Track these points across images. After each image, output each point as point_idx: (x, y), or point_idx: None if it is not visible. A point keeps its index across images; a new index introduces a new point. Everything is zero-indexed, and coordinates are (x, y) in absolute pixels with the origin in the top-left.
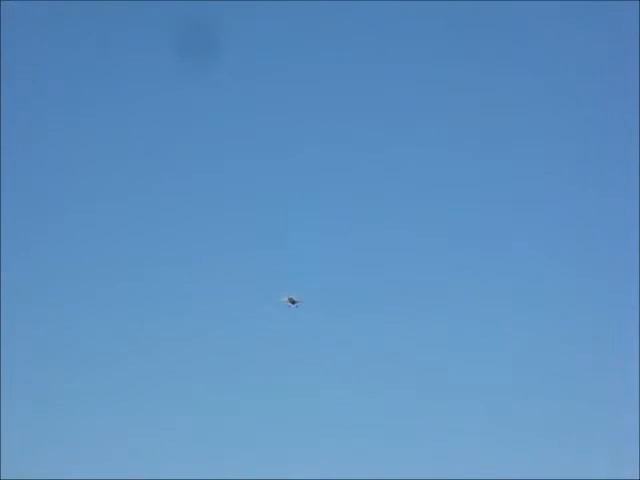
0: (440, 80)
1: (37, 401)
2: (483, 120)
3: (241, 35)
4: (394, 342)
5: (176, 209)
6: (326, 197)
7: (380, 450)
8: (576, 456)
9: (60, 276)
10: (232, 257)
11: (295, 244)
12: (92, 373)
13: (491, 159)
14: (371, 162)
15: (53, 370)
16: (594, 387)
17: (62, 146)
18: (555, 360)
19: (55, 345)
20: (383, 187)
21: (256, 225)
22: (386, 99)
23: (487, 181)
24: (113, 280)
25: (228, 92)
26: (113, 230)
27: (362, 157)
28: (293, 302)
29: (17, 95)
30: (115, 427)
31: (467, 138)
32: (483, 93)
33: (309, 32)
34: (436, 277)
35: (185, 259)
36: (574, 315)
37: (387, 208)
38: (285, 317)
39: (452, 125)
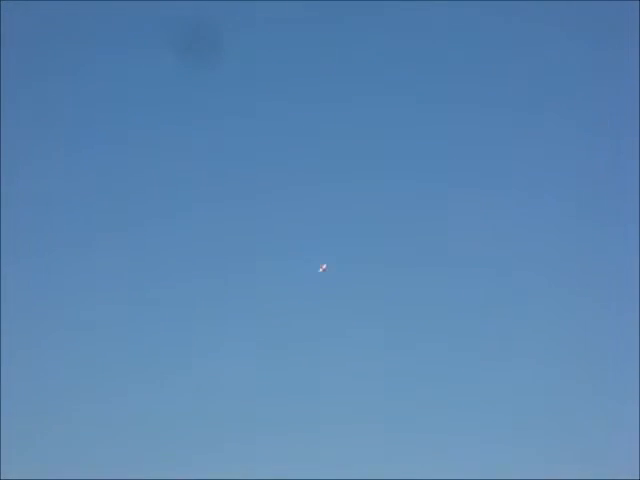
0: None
1: (37, 401)
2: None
3: (242, 35)
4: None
5: (175, 209)
6: (327, 203)
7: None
8: (576, 456)
9: (59, 275)
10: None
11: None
12: (93, 372)
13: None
14: (375, 167)
15: (53, 370)
16: (594, 386)
17: (62, 146)
18: (555, 357)
19: (55, 345)
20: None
21: (256, 233)
22: (392, 98)
23: None
24: (113, 275)
25: (229, 92)
26: (110, 228)
27: (365, 159)
28: (324, 269)
29: (17, 95)
30: (116, 427)
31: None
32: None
33: (311, 32)
34: None
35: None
36: (573, 307)
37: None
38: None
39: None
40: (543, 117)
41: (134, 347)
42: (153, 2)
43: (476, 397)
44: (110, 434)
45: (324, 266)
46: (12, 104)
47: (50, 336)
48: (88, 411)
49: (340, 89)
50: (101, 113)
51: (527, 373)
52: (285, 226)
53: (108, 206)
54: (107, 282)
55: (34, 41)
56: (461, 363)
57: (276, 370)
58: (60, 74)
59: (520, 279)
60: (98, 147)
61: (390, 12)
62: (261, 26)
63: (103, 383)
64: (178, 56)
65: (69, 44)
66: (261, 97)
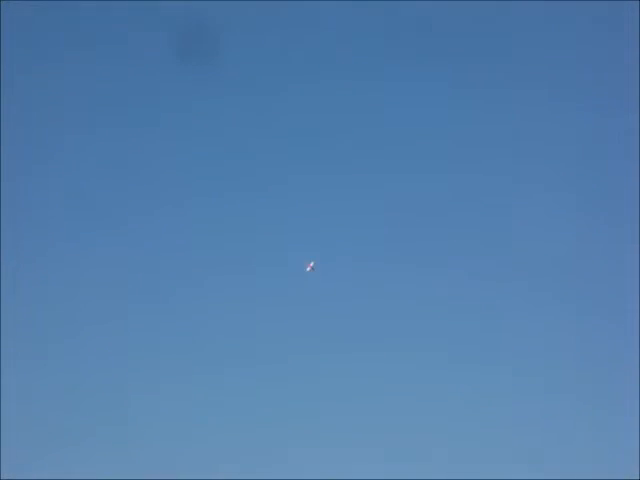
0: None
1: (37, 401)
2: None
3: (242, 35)
4: None
5: (175, 209)
6: (327, 203)
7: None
8: (576, 456)
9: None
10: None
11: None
12: (93, 372)
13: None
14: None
15: (54, 370)
16: (594, 386)
17: (63, 146)
18: (555, 359)
19: (56, 344)
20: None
21: (255, 233)
22: (390, 103)
23: None
24: (114, 267)
25: (229, 92)
26: (111, 230)
27: (365, 159)
28: (312, 268)
29: (17, 95)
30: (116, 427)
31: None
32: (481, 94)
33: (311, 32)
34: None
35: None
36: (576, 310)
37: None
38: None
39: None
40: (540, 119)
41: (135, 352)
42: (153, 2)
43: (475, 398)
44: (111, 434)
45: (311, 264)
46: (12, 104)
47: (50, 336)
48: (88, 410)
49: (340, 89)
50: (101, 113)
51: (526, 373)
52: (284, 227)
53: (107, 205)
54: (105, 281)
55: (34, 41)
56: (459, 365)
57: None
58: (59, 74)
59: (519, 284)
60: (97, 147)
61: (391, 12)
62: (261, 26)
63: (104, 381)
64: (177, 56)
65: (69, 44)
66: (261, 97)
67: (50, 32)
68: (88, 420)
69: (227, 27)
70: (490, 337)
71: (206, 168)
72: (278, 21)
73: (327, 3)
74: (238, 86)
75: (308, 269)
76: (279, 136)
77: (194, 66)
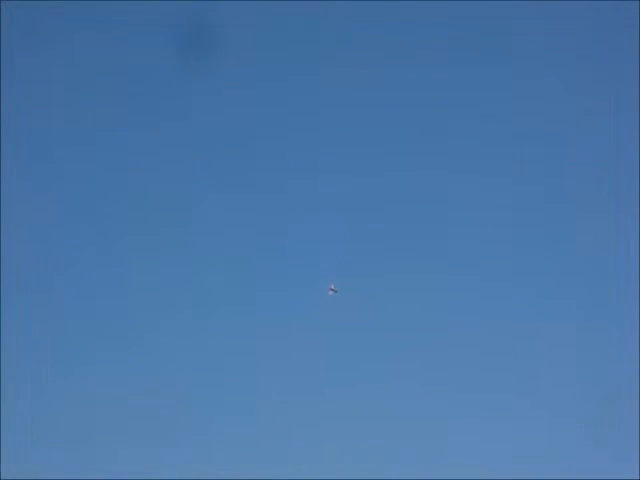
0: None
1: (37, 401)
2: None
3: (243, 35)
4: None
5: (174, 209)
6: (327, 205)
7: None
8: (576, 456)
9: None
10: None
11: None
12: (93, 372)
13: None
14: (378, 167)
15: (54, 370)
16: (594, 386)
17: (63, 146)
18: (557, 360)
19: (56, 344)
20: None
21: (256, 240)
22: (390, 101)
23: None
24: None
25: (230, 92)
26: (112, 226)
27: (367, 159)
28: (334, 290)
29: (16, 95)
30: (116, 427)
31: None
32: (477, 92)
33: (312, 32)
34: None
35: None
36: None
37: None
38: None
39: None
40: (539, 116)
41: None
42: (153, 2)
43: (477, 399)
44: (110, 434)
45: (332, 286)
46: (12, 105)
47: (50, 339)
48: (88, 411)
49: (341, 89)
50: (101, 113)
51: (527, 374)
52: (285, 229)
53: (107, 205)
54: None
55: (34, 41)
56: (463, 368)
57: None
58: (59, 74)
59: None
60: (98, 146)
61: (392, 11)
62: (261, 26)
63: (104, 383)
64: (178, 56)
65: (69, 44)
66: (261, 97)
67: (50, 32)
68: (88, 419)
69: (227, 26)
70: (492, 340)
71: (206, 168)
72: (278, 20)
73: (327, 3)
74: (238, 86)
75: (330, 292)
76: (279, 135)
77: (195, 65)
